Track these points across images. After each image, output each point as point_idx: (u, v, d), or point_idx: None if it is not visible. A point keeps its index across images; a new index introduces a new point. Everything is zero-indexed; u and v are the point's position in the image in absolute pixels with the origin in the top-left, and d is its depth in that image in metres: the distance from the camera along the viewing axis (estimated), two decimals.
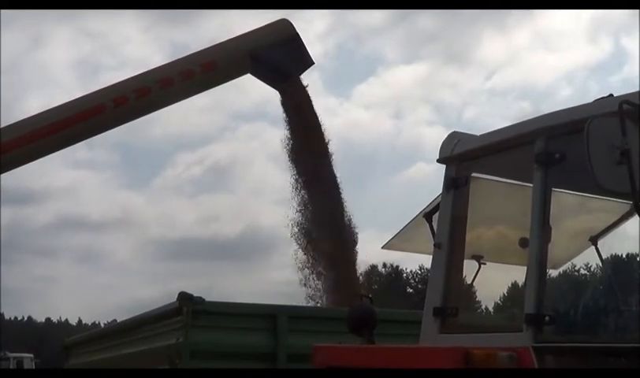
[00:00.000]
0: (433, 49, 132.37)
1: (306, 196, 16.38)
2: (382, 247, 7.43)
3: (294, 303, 15.05)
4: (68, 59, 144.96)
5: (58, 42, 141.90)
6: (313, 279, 16.16)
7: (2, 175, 14.68)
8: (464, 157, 6.08)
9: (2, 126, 14.50)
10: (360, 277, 16.74)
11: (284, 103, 16.68)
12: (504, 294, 6.68)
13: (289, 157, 16.52)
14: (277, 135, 16.98)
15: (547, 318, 5.17)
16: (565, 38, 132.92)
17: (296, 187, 16.52)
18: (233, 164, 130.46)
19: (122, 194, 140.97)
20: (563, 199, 6.02)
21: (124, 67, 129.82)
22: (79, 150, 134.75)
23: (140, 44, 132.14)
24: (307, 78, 16.73)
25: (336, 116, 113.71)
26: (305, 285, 16.17)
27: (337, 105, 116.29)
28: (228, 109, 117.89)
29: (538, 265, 5.25)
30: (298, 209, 16.51)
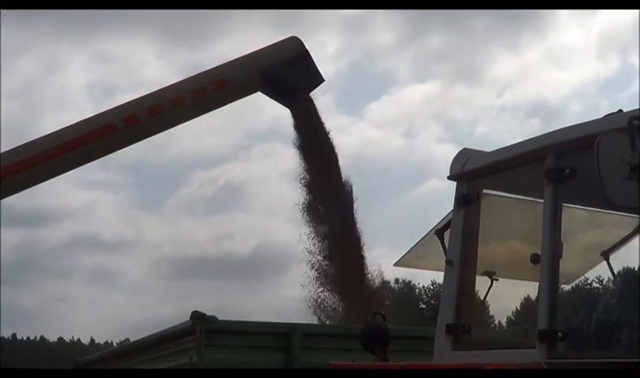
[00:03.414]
0: (444, 67, 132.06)
1: (318, 212, 16.38)
2: (395, 264, 7.44)
3: (307, 321, 15.11)
4: (83, 82, 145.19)
5: (74, 66, 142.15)
6: (325, 296, 16.17)
7: (14, 196, 14.73)
8: (475, 174, 6.09)
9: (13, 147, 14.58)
10: (373, 293, 16.68)
11: (294, 120, 16.72)
12: (516, 310, 6.68)
13: (300, 174, 16.56)
14: (290, 153, 16.91)
15: (560, 334, 5.18)
16: (575, 55, 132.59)
17: (307, 203, 16.54)
18: (247, 182, 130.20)
19: (135, 213, 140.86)
20: (574, 214, 6.03)
21: (138, 89, 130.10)
22: (92, 171, 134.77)
23: (155, 67, 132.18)
24: (319, 96, 16.77)
25: (348, 134, 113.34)
26: (317, 303, 16.18)
27: (350, 125, 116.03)
28: (242, 128, 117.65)
29: (550, 281, 5.26)
30: (309, 227, 16.52)
